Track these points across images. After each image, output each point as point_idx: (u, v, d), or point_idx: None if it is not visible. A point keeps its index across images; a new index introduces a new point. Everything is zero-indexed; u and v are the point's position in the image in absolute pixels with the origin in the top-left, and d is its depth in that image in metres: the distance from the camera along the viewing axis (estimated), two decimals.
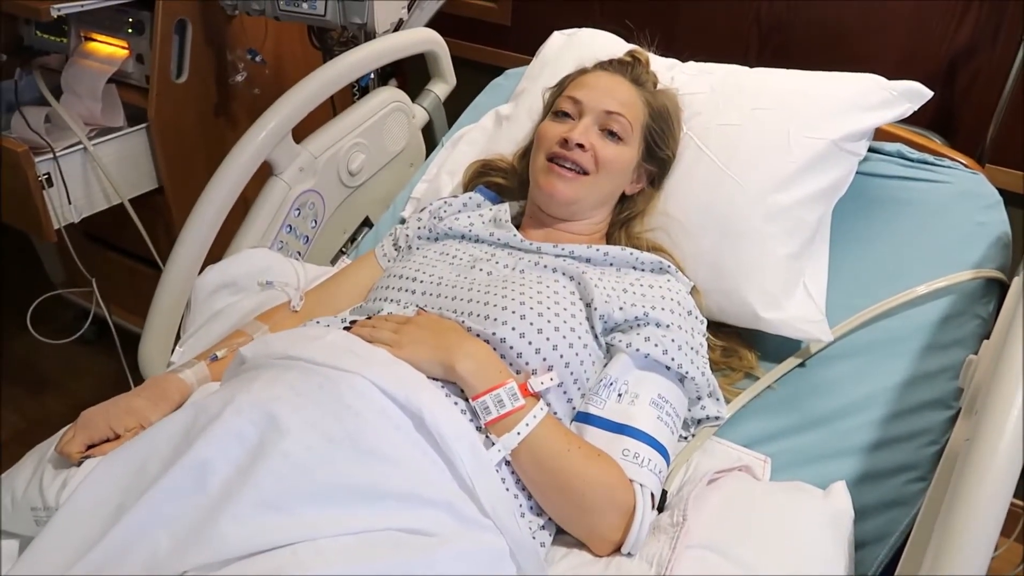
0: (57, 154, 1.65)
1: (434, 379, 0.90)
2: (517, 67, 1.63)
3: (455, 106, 1.66)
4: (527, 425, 0.87)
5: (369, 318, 1.02)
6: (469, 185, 1.33)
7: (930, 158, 1.26)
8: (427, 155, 1.58)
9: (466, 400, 0.89)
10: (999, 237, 1.17)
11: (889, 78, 1.20)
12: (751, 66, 1.32)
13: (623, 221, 1.19)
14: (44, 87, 1.76)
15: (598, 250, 1.10)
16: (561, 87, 1.23)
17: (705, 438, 1.05)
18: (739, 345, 1.15)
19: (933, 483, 0.86)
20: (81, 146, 1.69)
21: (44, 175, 1.64)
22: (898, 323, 1.12)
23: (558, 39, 1.49)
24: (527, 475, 0.88)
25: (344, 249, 1.51)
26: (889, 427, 1.03)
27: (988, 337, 1.08)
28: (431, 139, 1.63)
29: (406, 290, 1.07)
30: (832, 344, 1.12)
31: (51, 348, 1.92)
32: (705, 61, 1.37)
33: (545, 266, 1.06)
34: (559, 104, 1.17)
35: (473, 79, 1.72)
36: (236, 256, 1.28)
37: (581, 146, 1.11)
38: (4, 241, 2.34)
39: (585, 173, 1.12)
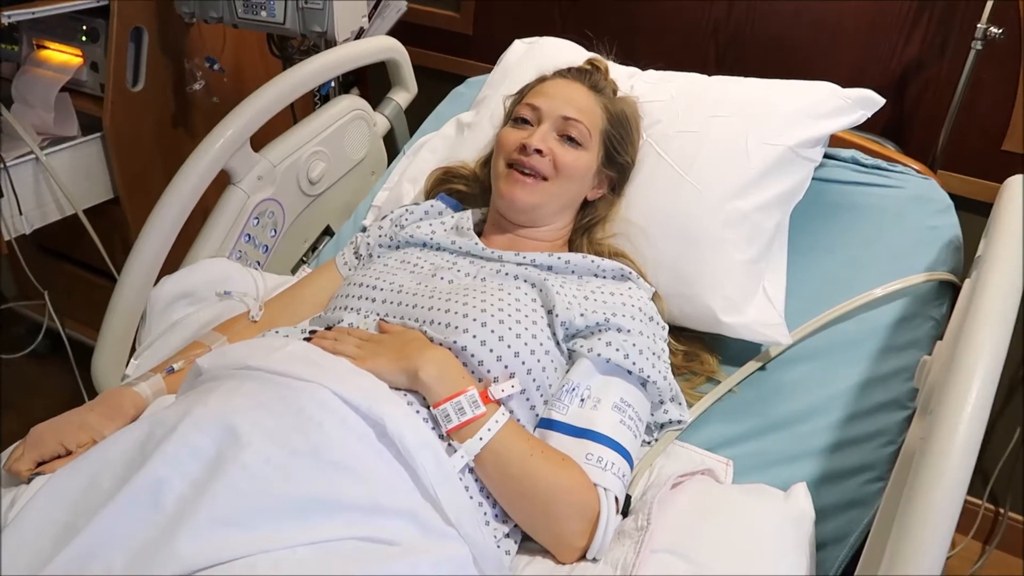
0: (7, 164, 1.60)
1: (397, 389, 0.90)
2: (479, 76, 1.64)
3: (417, 115, 1.66)
4: (488, 431, 0.86)
5: (329, 328, 1.01)
6: (431, 192, 1.33)
7: (883, 164, 1.29)
8: (388, 163, 1.57)
9: (429, 409, 0.89)
10: (951, 240, 1.20)
11: (844, 87, 1.23)
12: (709, 75, 1.34)
13: (585, 227, 1.20)
14: None
15: (559, 258, 1.10)
16: (521, 95, 1.23)
17: (668, 442, 1.06)
18: (701, 349, 1.16)
19: (890, 483, 0.87)
20: (32, 156, 1.65)
21: None
22: (855, 326, 1.14)
23: (519, 47, 1.50)
24: (491, 481, 0.88)
25: (305, 258, 1.49)
26: (847, 429, 1.05)
27: (942, 339, 1.10)
28: (392, 147, 1.63)
29: (366, 298, 1.06)
30: (791, 347, 1.13)
31: (2, 364, 1.87)
32: (664, 70, 1.39)
33: (507, 274, 1.06)
34: (518, 111, 1.17)
35: (435, 88, 1.72)
36: (194, 266, 1.26)
37: (539, 152, 1.11)
38: None
39: (544, 179, 1.12)
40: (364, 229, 1.41)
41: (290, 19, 1.60)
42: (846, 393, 1.08)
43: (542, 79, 1.22)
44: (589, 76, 1.20)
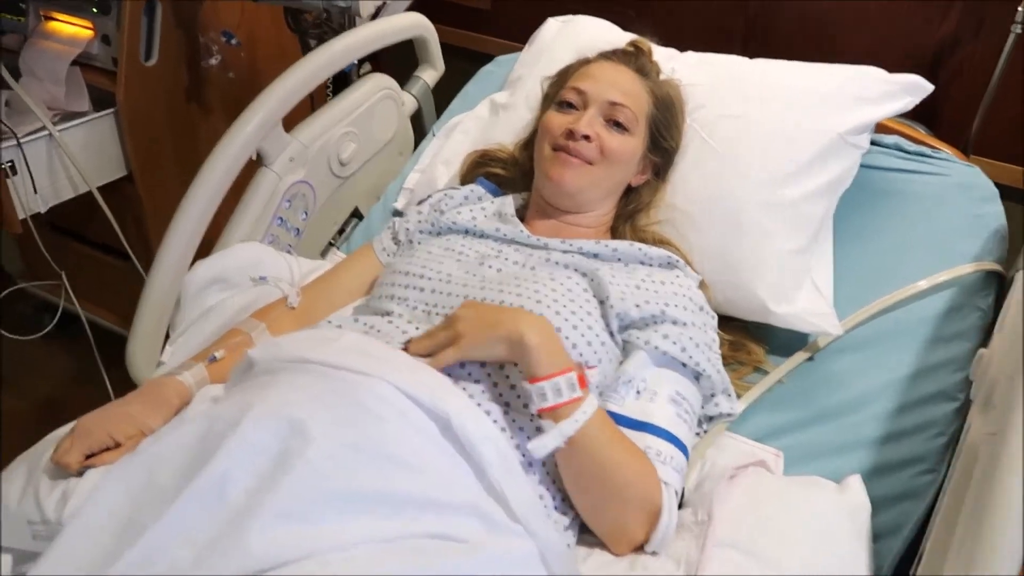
0: (21, 140, 1.56)
1: (457, 382, 0.88)
2: (502, 53, 1.60)
3: (440, 95, 1.63)
4: (584, 413, 0.83)
5: (388, 315, 0.99)
6: (468, 176, 1.30)
7: (927, 150, 1.27)
8: (416, 144, 1.54)
9: (493, 402, 0.87)
10: (996, 230, 1.18)
11: (880, 68, 1.21)
12: (739, 54, 1.31)
13: (629, 214, 1.18)
14: (3, 69, 1.66)
15: (606, 246, 1.09)
16: (564, 77, 1.20)
17: (718, 434, 1.05)
18: (747, 339, 1.15)
19: (953, 478, 0.86)
20: (45, 132, 1.61)
21: (7, 163, 1.55)
22: (901, 315, 1.13)
23: (552, 26, 1.46)
24: (572, 465, 0.86)
25: (333, 241, 1.47)
26: (897, 420, 1.04)
27: (989, 329, 1.10)
28: (420, 127, 1.59)
29: (414, 287, 1.04)
30: (839, 338, 1.12)
31: (10, 344, 1.83)
32: (694, 51, 1.35)
33: (556, 263, 1.04)
34: (563, 95, 1.15)
35: (455, 65, 1.68)
36: (227, 251, 1.23)
37: (587, 137, 1.09)
38: None
39: (590, 163, 1.10)
40: (398, 213, 1.39)
41: None
42: (894, 384, 1.07)
43: (586, 61, 1.19)
44: (634, 59, 1.18)
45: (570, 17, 1.45)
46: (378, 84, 1.45)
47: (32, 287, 1.98)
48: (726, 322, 1.15)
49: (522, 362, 0.86)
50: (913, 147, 1.27)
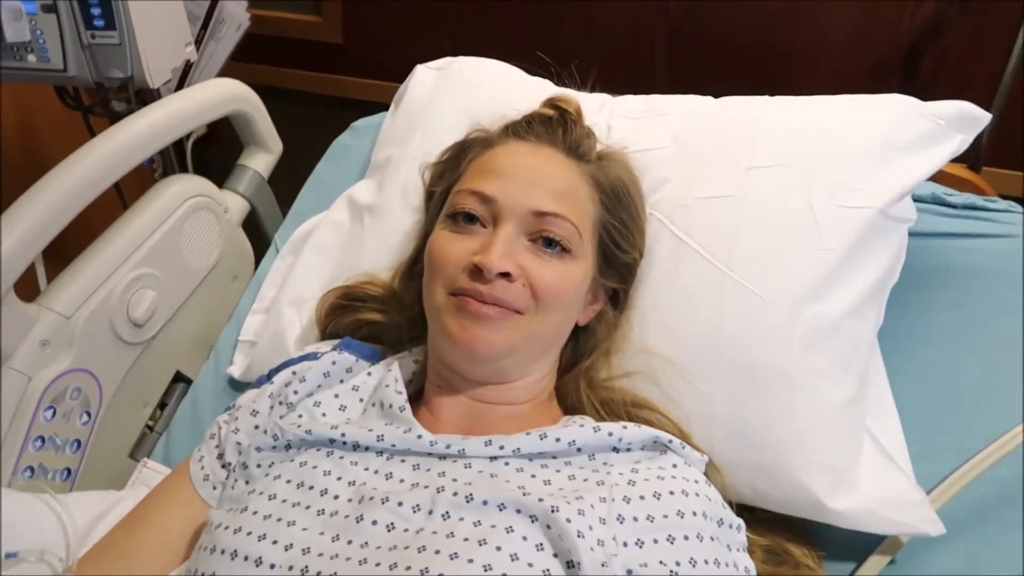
0: None
1: None
2: (364, 96, 1.16)
3: (289, 168, 1.18)
4: None
5: None
6: (327, 329, 0.86)
7: (977, 201, 0.90)
8: (257, 262, 1.08)
9: None
10: None
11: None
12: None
13: (580, 372, 0.77)
14: None
15: (556, 438, 0.67)
16: (454, 168, 0.78)
17: None
18: (788, 540, 0.75)
19: None
20: None
21: None
22: (1003, 472, 0.75)
23: (424, 76, 1.02)
24: None
25: (151, 424, 0.99)
26: None
27: None
28: (258, 233, 1.13)
29: (251, 571, 0.60)
30: None
31: None
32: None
33: (484, 501, 0.61)
34: (458, 202, 0.72)
35: (306, 118, 1.23)
36: None
37: (506, 275, 0.67)
38: None
39: (517, 312, 0.69)
40: (235, 385, 0.93)
41: (74, 63, 1.09)
42: None
43: (487, 143, 0.77)
44: (562, 131, 0.76)
45: (446, 62, 1.01)
46: (181, 192, 0.97)
47: None
48: (752, 513, 0.75)
49: None
50: (959, 198, 0.90)
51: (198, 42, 1.28)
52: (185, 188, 0.98)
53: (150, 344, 0.95)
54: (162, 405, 1.02)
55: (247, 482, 0.72)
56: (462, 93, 0.95)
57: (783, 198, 0.77)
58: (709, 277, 0.76)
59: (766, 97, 0.87)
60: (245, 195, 1.08)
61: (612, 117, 0.90)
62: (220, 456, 0.75)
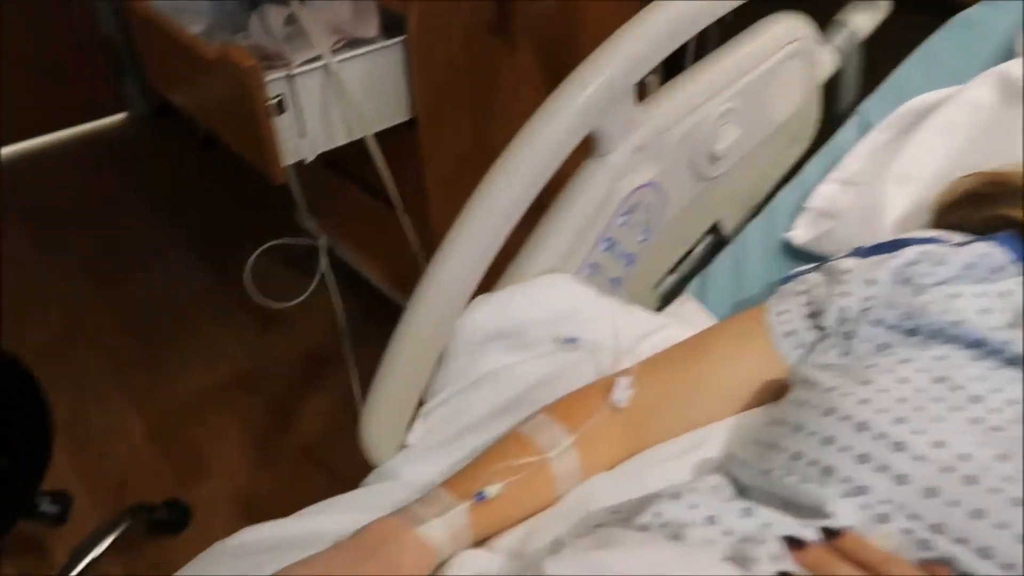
0: (294, 72, 1.24)
1: None
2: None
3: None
4: None
5: (820, 514, 0.48)
6: (947, 219, 0.73)
7: None
8: (823, 129, 0.97)
9: None
10: None
11: None
12: None
13: None
14: None
15: None
16: None
17: None
18: None
19: None
20: (321, 63, 1.27)
21: (275, 97, 1.24)
22: None
23: None
24: None
25: (675, 268, 0.97)
26: None
27: None
28: (829, 102, 1.01)
29: (882, 467, 0.51)
30: None
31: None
32: None
33: None
34: None
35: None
36: (523, 287, 0.78)
37: None
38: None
39: None
40: (791, 249, 0.85)
41: None
42: None
43: None
44: None
45: None
46: (785, 33, 0.89)
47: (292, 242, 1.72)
48: None
49: None
50: None
51: None
52: (790, 29, 0.90)
53: (712, 184, 0.90)
54: (686, 255, 0.99)
55: (846, 353, 0.63)
56: None
57: None
58: None
59: None
60: (840, 51, 0.96)
61: None
62: (812, 316, 0.68)
